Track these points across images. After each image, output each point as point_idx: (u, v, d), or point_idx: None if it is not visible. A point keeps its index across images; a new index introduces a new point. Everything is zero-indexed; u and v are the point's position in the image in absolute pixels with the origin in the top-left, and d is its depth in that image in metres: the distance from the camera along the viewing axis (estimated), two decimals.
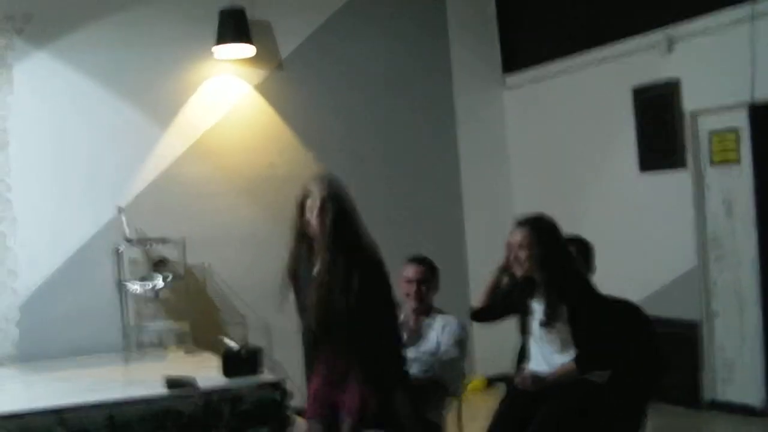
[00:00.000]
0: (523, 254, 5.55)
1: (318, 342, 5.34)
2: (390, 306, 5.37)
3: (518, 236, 5.59)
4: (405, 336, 5.95)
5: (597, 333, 5.39)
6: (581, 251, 5.97)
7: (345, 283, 5.08)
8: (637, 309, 5.98)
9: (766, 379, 7.95)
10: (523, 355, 5.86)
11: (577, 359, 5.41)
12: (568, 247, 5.71)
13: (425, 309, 6.11)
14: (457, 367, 6.04)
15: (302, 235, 5.29)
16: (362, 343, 5.15)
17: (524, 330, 5.75)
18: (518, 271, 5.61)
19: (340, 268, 5.10)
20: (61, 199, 8.61)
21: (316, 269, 5.21)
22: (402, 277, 6.11)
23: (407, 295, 6.07)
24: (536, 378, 5.53)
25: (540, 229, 5.59)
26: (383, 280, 5.27)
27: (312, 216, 5.19)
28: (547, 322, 5.49)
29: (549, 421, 5.31)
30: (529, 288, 5.67)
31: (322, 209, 5.17)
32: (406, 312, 6.09)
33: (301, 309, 5.38)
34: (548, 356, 5.58)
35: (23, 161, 8.52)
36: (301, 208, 5.27)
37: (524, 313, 5.71)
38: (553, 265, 5.52)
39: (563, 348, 5.52)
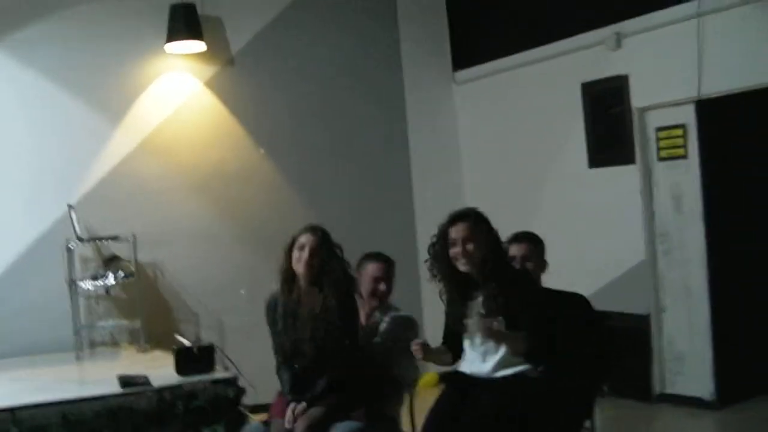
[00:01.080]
0: (470, 246, 5.51)
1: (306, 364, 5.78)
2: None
3: (462, 230, 5.55)
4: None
5: (538, 324, 5.38)
6: (535, 247, 5.99)
7: (340, 317, 5.71)
8: (583, 301, 6.00)
9: (715, 372, 8.06)
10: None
11: (530, 350, 5.39)
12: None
13: (382, 305, 6.14)
14: (410, 361, 6.06)
15: (289, 276, 5.87)
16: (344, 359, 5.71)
17: (458, 331, 5.68)
18: (463, 266, 5.55)
19: (335, 306, 5.72)
20: (10, 196, 8.54)
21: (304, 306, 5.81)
22: (366, 276, 6.11)
23: (372, 292, 6.09)
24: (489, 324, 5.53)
25: (481, 220, 5.59)
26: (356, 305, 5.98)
27: (302, 260, 5.77)
28: (488, 315, 5.45)
29: (487, 414, 5.31)
30: (462, 291, 5.63)
31: (314, 255, 5.76)
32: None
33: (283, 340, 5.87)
34: (484, 354, 5.55)
35: None
36: (289, 252, 5.84)
37: (461, 317, 5.64)
38: (497, 254, 5.52)
39: (499, 345, 5.53)
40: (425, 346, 5.56)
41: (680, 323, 8.35)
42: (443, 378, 5.77)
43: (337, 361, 5.65)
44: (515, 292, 5.41)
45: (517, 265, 5.80)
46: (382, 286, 6.12)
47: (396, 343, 5.95)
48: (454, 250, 5.52)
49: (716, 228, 8.07)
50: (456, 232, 5.53)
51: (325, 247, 5.78)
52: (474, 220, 5.56)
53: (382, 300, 6.12)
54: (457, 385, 5.57)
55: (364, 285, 6.09)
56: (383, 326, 6.06)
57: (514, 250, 5.87)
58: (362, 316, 6.08)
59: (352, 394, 5.65)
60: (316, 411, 5.57)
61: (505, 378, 5.40)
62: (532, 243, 5.98)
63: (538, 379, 5.42)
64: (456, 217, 5.60)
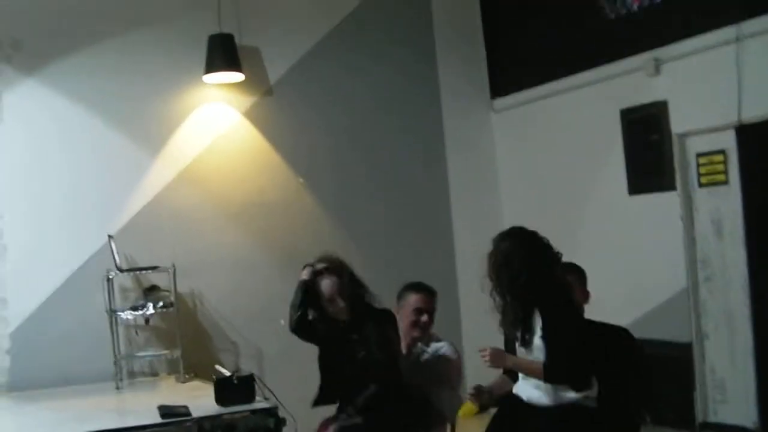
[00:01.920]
0: (486, 269, 5.54)
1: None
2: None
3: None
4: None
5: (572, 347, 5.33)
6: (576, 277, 5.93)
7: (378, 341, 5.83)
8: (626, 334, 5.95)
9: (758, 400, 7.95)
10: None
11: (545, 365, 5.34)
12: (537, 261, 5.59)
13: (424, 336, 6.11)
14: (453, 392, 6.04)
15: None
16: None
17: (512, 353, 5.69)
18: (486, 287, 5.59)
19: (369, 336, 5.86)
20: (52, 226, 8.60)
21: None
22: (408, 307, 6.09)
23: (414, 323, 6.06)
24: (498, 354, 5.53)
25: (497, 242, 5.56)
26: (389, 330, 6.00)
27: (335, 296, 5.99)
28: (522, 342, 5.44)
29: None
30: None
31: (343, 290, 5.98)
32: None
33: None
34: (531, 378, 5.52)
35: (13, 189, 8.51)
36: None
37: (512, 338, 5.65)
38: (505, 278, 5.46)
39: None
40: (479, 393, 5.60)
41: (723, 351, 8.25)
42: (496, 401, 5.76)
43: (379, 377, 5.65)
44: (548, 316, 5.36)
45: None
46: (425, 318, 6.09)
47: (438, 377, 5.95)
48: None
49: (758, 254, 7.97)
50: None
51: (347, 285, 5.93)
52: (492, 242, 5.57)
53: (424, 331, 6.09)
54: (510, 410, 5.56)
55: (406, 316, 6.07)
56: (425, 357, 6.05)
57: None
58: (403, 347, 6.06)
59: (394, 413, 5.62)
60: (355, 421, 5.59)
61: (557, 407, 5.36)
62: (573, 274, 5.92)
63: (590, 408, 5.38)
64: None
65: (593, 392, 5.44)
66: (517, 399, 5.58)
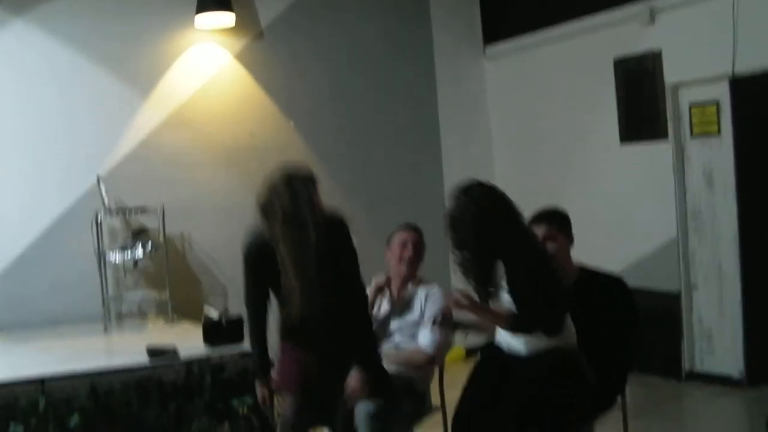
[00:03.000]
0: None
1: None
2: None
3: None
4: (389, 305, 6.00)
5: (533, 295, 5.27)
6: (553, 226, 5.81)
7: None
8: (620, 284, 5.90)
9: (745, 350, 8.00)
10: None
11: (512, 315, 5.29)
12: (495, 213, 5.49)
13: (412, 277, 6.10)
14: (443, 330, 6.03)
15: None
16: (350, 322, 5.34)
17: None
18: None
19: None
20: (40, 168, 8.56)
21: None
22: (394, 243, 6.09)
23: (400, 259, 6.05)
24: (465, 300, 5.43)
25: (451, 200, 5.52)
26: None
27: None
28: (487, 295, 5.39)
29: (523, 392, 5.28)
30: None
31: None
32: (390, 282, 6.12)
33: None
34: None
35: (0, 130, 8.46)
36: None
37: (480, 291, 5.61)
38: (460, 235, 5.42)
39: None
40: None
41: (711, 301, 8.29)
42: (479, 350, 5.75)
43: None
44: (510, 267, 5.32)
45: None
46: (409, 250, 6.07)
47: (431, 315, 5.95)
48: None
49: (748, 206, 8.00)
50: None
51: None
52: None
53: (411, 268, 6.08)
54: (491, 358, 5.55)
55: (393, 253, 6.08)
56: (417, 305, 6.05)
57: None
58: (394, 289, 6.06)
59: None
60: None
61: (536, 355, 5.34)
62: (551, 223, 5.82)
63: (569, 353, 5.35)
64: None
65: (570, 337, 5.40)
66: (498, 347, 5.57)
